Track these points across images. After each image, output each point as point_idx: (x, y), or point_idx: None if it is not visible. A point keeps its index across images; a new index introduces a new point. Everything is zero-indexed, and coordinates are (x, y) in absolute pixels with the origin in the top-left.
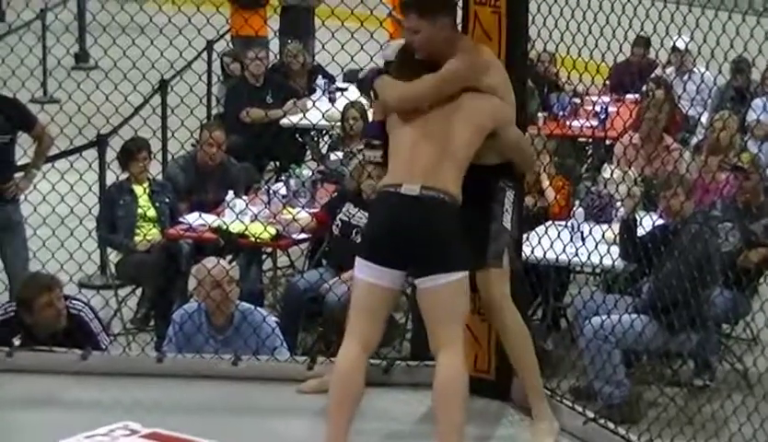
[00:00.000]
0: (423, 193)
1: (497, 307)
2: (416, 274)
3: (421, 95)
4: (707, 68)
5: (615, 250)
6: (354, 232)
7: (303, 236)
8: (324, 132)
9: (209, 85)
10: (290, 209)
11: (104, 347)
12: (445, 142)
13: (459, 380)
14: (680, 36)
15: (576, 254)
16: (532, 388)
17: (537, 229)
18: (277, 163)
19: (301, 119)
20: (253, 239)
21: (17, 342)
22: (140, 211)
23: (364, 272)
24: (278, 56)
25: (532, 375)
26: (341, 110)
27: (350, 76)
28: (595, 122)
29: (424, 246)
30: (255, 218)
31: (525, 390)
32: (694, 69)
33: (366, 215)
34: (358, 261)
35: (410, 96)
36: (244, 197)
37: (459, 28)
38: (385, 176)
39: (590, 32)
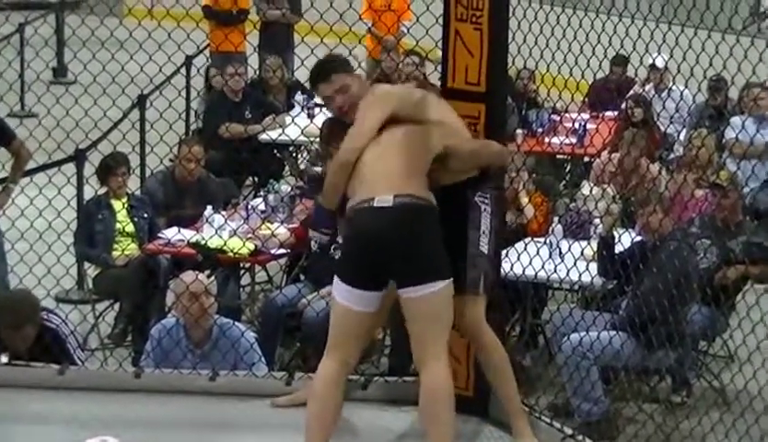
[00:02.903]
0: (396, 202)
1: (473, 331)
2: (400, 284)
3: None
4: (686, 86)
5: (593, 266)
6: (332, 247)
7: (281, 251)
8: (303, 147)
9: (188, 100)
10: (269, 224)
11: (79, 365)
12: (405, 152)
13: (447, 389)
14: (659, 54)
15: (555, 271)
16: (512, 406)
17: (515, 246)
18: (256, 178)
19: (280, 134)
20: (232, 255)
21: (4, 358)
22: (118, 226)
23: (343, 295)
24: (257, 72)
25: (512, 394)
26: (319, 125)
27: None
28: (573, 139)
29: (405, 253)
30: (234, 234)
31: (504, 408)
32: (673, 87)
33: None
34: (337, 282)
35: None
36: (222, 212)
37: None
38: (352, 198)
39: (570, 49)
